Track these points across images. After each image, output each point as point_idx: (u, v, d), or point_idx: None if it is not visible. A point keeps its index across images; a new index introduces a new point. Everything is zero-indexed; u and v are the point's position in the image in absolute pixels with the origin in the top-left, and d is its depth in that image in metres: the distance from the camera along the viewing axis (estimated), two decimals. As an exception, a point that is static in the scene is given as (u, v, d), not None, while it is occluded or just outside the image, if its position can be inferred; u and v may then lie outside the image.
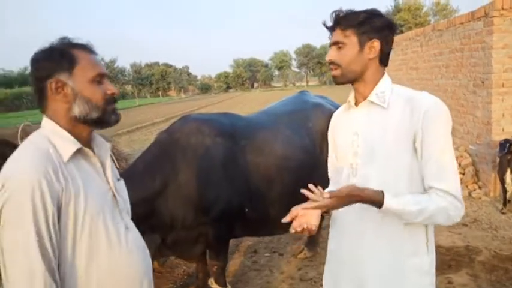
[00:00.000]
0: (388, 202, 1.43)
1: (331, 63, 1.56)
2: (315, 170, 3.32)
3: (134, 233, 1.48)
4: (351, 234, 1.62)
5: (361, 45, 1.51)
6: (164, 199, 2.90)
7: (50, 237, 1.21)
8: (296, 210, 1.52)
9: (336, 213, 1.68)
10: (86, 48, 1.39)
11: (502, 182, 5.35)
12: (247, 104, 29.19)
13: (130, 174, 2.98)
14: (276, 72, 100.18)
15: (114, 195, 1.43)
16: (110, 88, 1.40)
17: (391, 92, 1.55)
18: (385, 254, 1.55)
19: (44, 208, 1.19)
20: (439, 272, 3.75)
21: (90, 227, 1.29)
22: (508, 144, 5.26)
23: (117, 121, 1.42)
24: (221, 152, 3.06)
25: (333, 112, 3.40)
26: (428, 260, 1.57)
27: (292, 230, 1.54)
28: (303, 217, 1.52)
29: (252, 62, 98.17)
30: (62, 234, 1.26)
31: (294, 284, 3.73)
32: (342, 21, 1.52)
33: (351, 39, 1.51)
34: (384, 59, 1.57)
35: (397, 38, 10.37)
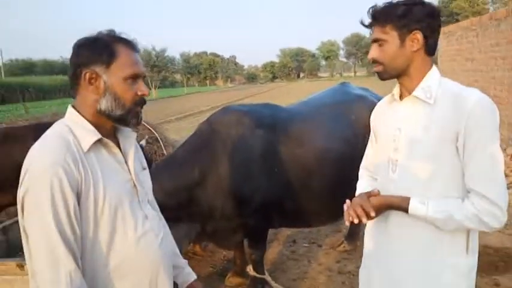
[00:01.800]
0: (412, 209, 1.45)
1: (374, 61, 1.53)
2: (356, 163, 3.26)
3: (154, 223, 1.49)
4: (388, 228, 1.59)
5: (403, 39, 1.46)
6: (203, 189, 2.92)
7: (71, 224, 1.24)
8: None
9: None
10: (130, 45, 1.39)
11: None
12: (293, 94, 29.02)
13: (170, 162, 3.09)
14: (323, 62, 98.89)
15: (134, 185, 1.44)
16: (142, 89, 1.39)
17: (439, 87, 1.47)
18: (421, 250, 1.51)
19: (63, 197, 1.22)
20: (485, 273, 3.62)
21: (109, 215, 1.32)
22: None
23: (136, 124, 1.42)
24: (261, 143, 3.05)
25: (377, 103, 3.31)
26: (467, 263, 1.51)
27: (348, 219, 1.58)
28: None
29: (299, 51, 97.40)
30: (83, 223, 1.29)
31: (332, 276, 3.72)
32: (380, 17, 1.48)
33: (391, 35, 1.46)
34: (430, 49, 1.49)
35: (451, 27, 9.89)
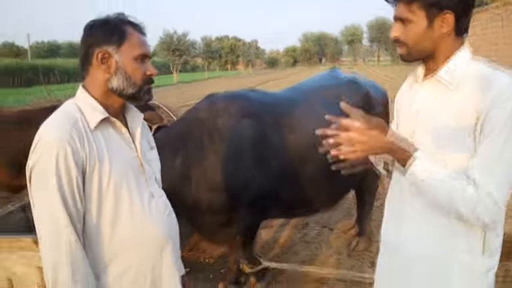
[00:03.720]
0: (417, 159, 1.27)
1: (396, 40, 1.37)
2: None
3: (160, 200, 1.55)
4: (403, 217, 1.51)
5: (431, 20, 1.30)
6: (186, 180, 2.77)
7: (74, 199, 1.31)
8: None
9: (389, 198, 1.61)
10: (138, 28, 1.46)
11: None
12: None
13: None
14: (346, 48, 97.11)
15: (141, 163, 1.50)
16: (150, 69, 1.47)
17: (465, 69, 1.33)
18: (434, 246, 1.43)
19: (68, 170, 1.29)
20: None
21: (115, 191, 1.38)
22: None
23: (148, 100, 1.50)
24: (250, 133, 2.89)
25: (368, 89, 3.23)
26: (483, 263, 1.40)
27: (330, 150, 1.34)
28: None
29: (322, 36, 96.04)
30: (87, 198, 1.36)
31: (341, 259, 3.78)
32: None
33: (417, 15, 1.29)
34: (461, 30, 1.33)
35: (475, 16, 9.61)
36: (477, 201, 1.24)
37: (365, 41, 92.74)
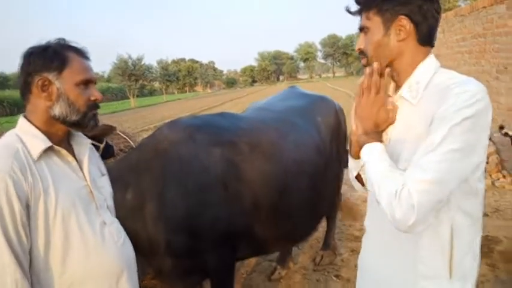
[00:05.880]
0: (368, 145, 1.25)
1: (360, 52, 1.32)
2: (327, 170, 3.10)
3: (112, 228, 1.49)
4: (369, 244, 1.48)
5: (387, 27, 1.24)
6: (140, 218, 2.35)
7: (18, 234, 1.24)
8: None
9: (366, 220, 1.55)
10: (80, 53, 1.43)
11: None
12: (272, 97, 28.98)
13: None
14: (302, 64, 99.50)
15: (91, 191, 1.45)
16: (95, 94, 1.43)
17: (429, 82, 1.24)
18: (399, 272, 1.32)
19: (10, 205, 1.22)
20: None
21: (63, 223, 1.33)
22: None
23: (94, 126, 1.45)
24: (219, 165, 2.48)
25: (337, 106, 2.90)
26: None
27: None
28: None
29: (277, 54, 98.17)
30: (33, 233, 1.29)
31: (307, 274, 3.75)
32: (364, 1, 1.29)
33: (374, 22, 1.25)
34: (423, 38, 1.24)
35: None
36: (395, 194, 1.13)
37: (319, 58, 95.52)
